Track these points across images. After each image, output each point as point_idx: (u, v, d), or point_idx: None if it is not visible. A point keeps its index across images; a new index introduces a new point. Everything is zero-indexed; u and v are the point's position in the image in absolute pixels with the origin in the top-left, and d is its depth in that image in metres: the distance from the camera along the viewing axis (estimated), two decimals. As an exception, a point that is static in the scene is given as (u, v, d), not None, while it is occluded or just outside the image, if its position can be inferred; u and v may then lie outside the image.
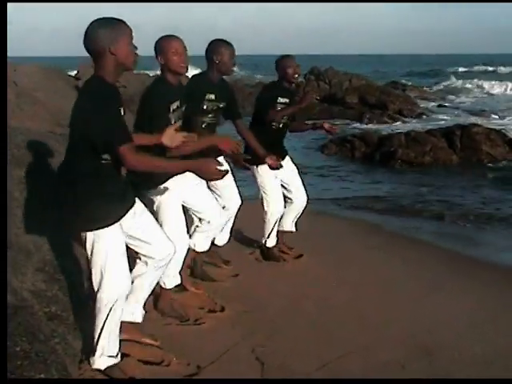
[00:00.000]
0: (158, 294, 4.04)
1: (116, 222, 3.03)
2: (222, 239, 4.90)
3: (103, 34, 2.82)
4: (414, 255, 6.06)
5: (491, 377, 3.51)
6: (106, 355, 3.12)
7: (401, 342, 3.91)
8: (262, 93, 5.43)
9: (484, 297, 4.88)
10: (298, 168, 5.54)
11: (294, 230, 5.56)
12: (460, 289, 5.04)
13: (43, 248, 4.04)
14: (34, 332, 3.11)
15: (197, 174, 3.20)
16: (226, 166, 4.63)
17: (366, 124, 18.53)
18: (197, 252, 4.52)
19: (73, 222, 3.13)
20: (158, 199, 3.89)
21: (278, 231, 5.47)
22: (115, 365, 3.15)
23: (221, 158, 4.51)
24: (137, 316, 3.48)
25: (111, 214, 3.02)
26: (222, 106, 4.54)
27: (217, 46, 4.44)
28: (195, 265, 4.73)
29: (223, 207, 4.63)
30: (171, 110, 3.74)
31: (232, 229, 4.99)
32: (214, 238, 4.69)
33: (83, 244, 3.07)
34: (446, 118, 20.68)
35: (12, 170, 4.80)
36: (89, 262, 3.10)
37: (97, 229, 2.98)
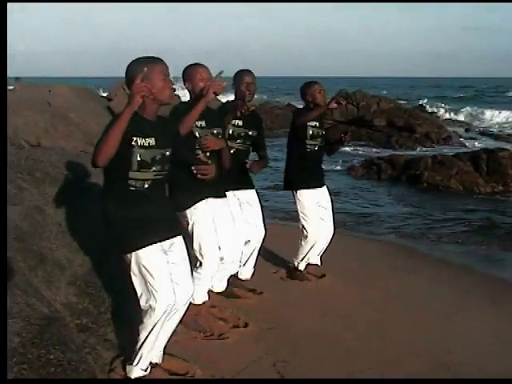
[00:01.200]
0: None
1: (154, 243, 3.16)
2: (247, 273, 5.01)
3: (136, 70, 3.01)
4: (442, 277, 6.15)
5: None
6: (139, 367, 3.28)
7: (422, 360, 3.98)
8: (293, 119, 5.51)
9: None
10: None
11: (319, 263, 5.63)
12: (485, 311, 5.12)
13: (75, 263, 4.23)
14: (66, 342, 3.27)
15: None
16: (254, 196, 4.78)
17: (394, 150, 18.37)
18: (216, 293, 4.57)
19: (117, 246, 3.29)
20: (192, 218, 4.05)
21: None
22: (143, 376, 3.29)
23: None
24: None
25: (148, 237, 3.15)
26: (251, 133, 4.71)
27: (235, 77, 4.71)
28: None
29: (247, 241, 4.76)
30: (196, 125, 3.93)
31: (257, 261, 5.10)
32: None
33: (128, 266, 3.22)
34: (472, 142, 20.72)
35: (46, 187, 5.03)
36: (133, 281, 3.24)
37: (135, 249, 3.13)
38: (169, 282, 3.17)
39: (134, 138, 3.06)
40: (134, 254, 3.15)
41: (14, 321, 3.12)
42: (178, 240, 3.34)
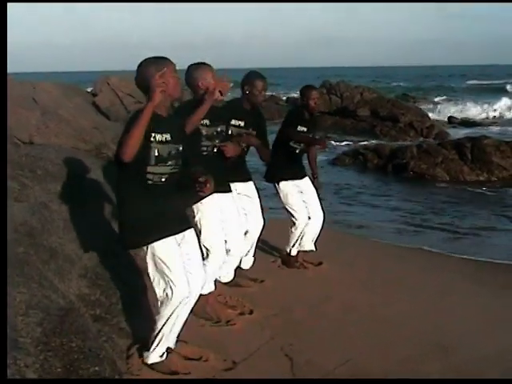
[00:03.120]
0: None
1: (169, 235, 3.32)
2: (247, 263, 5.16)
3: (150, 70, 3.17)
4: (432, 263, 6.42)
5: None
6: (157, 353, 3.45)
7: (418, 340, 4.18)
8: (284, 120, 5.73)
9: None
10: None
11: (314, 248, 5.82)
12: (475, 292, 5.36)
13: (84, 256, 4.37)
14: (84, 331, 3.41)
15: None
16: (252, 189, 4.93)
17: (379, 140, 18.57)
18: (223, 283, 4.72)
19: (128, 241, 3.41)
20: (198, 212, 4.20)
21: (298, 251, 5.80)
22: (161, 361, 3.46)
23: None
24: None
25: (163, 228, 3.31)
26: (248, 130, 4.85)
27: (248, 78, 4.82)
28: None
29: (246, 232, 4.90)
30: (201, 123, 4.06)
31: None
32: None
33: (145, 257, 3.37)
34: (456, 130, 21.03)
35: (48, 183, 5.15)
36: (149, 272, 3.39)
37: (151, 242, 3.28)
38: (184, 273, 3.33)
39: (153, 134, 3.20)
40: (149, 246, 3.30)
41: (34, 312, 3.25)
42: (190, 232, 3.51)
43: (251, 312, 4.49)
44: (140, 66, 3.30)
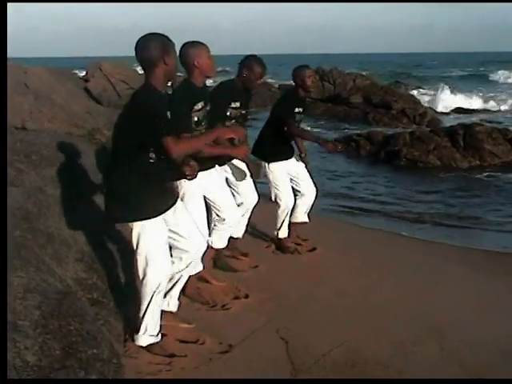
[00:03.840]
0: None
1: (160, 214, 3.40)
2: (238, 232, 5.23)
3: (157, 47, 3.21)
4: (426, 248, 6.51)
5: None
6: (148, 334, 3.50)
7: (412, 324, 4.25)
8: (281, 101, 5.74)
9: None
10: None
11: (307, 220, 5.91)
12: (467, 277, 5.44)
13: (80, 240, 4.40)
14: (82, 314, 3.44)
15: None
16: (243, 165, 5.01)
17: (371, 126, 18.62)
18: (215, 249, 4.81)
19: (120, 213, 3.45)
20: (182, 190, 4.21)
21: (290, 223, 5.85)
22: (156, 343, 3.50)
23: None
24: (172, 306, 3.87)
25: (156, 207, 3.39)
26: (244, 112, 4.90)
27: (249, 62, 4.83)
28: (217, 257, 5.06)
29: (239, 204, 4.98)
30: (195, 109, 4.07)
31: (248, 224, 5.34)
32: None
33: (130, 234, 3.41)
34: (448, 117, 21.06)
35: (43, 168, 5.17)
36: (134, 250, 3.44)
37: (143, 219, 3.33)
38: (166, 253, 3.44)
39: None
40: (138, 224, 3.36)
41: (32, 295, 3.27)
42: (179, 203, 3.64)
43: (246, 296, 4.55)
44: (145, 39, 3.27)
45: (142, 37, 3.25)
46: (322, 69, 26.04)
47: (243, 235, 5.37)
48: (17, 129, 8.92)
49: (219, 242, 4.75)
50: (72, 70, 20.82)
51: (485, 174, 11.26)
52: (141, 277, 3.43)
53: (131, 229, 3.39)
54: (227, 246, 4.90)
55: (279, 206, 5.67)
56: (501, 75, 44.61)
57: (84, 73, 18.30)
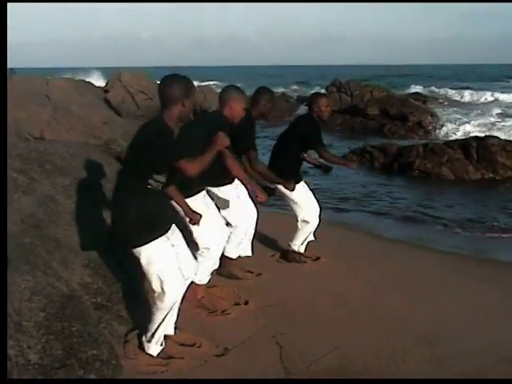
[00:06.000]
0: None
1: (163, 234, 3.58)
2: (242, 251, 5.22)
3: (180, 89, 3.49)
4: (430, 258, 6.61)
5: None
6: (159, 344, 3.71)
7: (407, 332, 4.35)
8: (308, 126, 5.82)
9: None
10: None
11: (314, 239, 6.03)
12: (471, 288, 5.53)
13: (87, 247, 4.57)
14: (84, 317, 3.62)
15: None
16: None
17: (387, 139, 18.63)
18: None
19: (128, 240, 3.60)
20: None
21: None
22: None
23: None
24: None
25: (158, 228, 3.57)
26: None
27: (266, 94, 5.28)
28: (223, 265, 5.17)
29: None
30: None
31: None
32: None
33: (138, 257, 3.58)
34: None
35: (56, 177, 5.36)
36: (145, 270, 3.60)
37: (148, 242, 3.51)
38: (177, 268, 3.60)
39: None
40: (143, 247, 3.52)
41: (37, 298, 3.46)
42: (174, 226, 3.80)
43: (246, 303, 4.68)
44: (171, 78, 3.56)
45: (169, 75, 3.56)
46: (339, 80, 26.16)
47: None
48: (35, 139, 9.18)
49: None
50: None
51: (498, 187, 11.30)
52: (157, 293, 3.57)
53: (139, 253, 3.55)
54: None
55: (303, 222, 5.83)
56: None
57: (104, 84, 18.68)
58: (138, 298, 4.25)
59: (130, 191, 3.51)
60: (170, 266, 3.57)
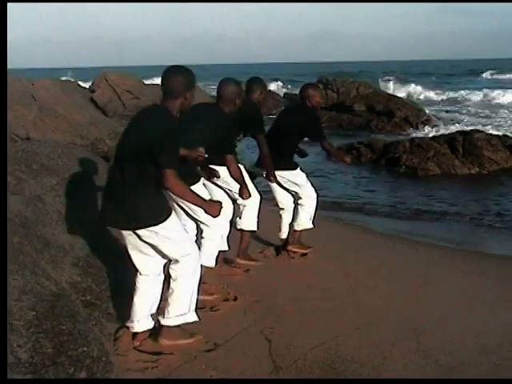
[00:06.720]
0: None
1: (171, 213, 3.73)
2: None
3: (184, 82, 3.58)
4: (417, 252, 6.68)
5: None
6: (194, 311, 3.88)
7: (394, 325, 4.41)
8: (308, 114, 5.95)
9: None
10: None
11: (312, 226, 6.11)
12: (455, 281, 5.60)
13: (76, 246, 4.60)
14: (74, 315, 3.64)
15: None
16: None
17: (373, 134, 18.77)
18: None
19: (140, 220, 3.65)
20: None
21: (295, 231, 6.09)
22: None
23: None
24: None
25: (169, 208, 3.75)
26: None
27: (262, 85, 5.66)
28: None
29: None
30: None
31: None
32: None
33: (153, 237, 3.65)
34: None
35: (43, 178, 5.37)
36: (162, 247, 3.71)
37: (165, 220, 3.64)
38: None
39: None
40: (160, 225, 3.62)
41: (27, 297, 3.47)
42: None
43: (235, 299, 4.73)
44: (175, 70, 3.67)
45: (173, 66, 3.67)
46: (325, 77, 26.23)
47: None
48: (21, 139, 9.19)
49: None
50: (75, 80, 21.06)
51: (484, 180, 11.43)
52: (180, 259, 3.72)
53: (155, 232, 3.62)
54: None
55: (310, 199, 5.98)
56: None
57: (89, 84, 18.57)
58: (127, 295, 4.28)
59: (146, 177, 3.55)
60: (186, 235, 3.86)
